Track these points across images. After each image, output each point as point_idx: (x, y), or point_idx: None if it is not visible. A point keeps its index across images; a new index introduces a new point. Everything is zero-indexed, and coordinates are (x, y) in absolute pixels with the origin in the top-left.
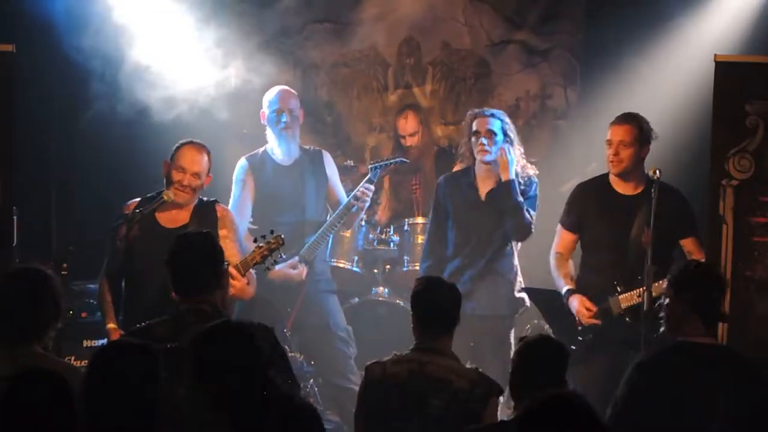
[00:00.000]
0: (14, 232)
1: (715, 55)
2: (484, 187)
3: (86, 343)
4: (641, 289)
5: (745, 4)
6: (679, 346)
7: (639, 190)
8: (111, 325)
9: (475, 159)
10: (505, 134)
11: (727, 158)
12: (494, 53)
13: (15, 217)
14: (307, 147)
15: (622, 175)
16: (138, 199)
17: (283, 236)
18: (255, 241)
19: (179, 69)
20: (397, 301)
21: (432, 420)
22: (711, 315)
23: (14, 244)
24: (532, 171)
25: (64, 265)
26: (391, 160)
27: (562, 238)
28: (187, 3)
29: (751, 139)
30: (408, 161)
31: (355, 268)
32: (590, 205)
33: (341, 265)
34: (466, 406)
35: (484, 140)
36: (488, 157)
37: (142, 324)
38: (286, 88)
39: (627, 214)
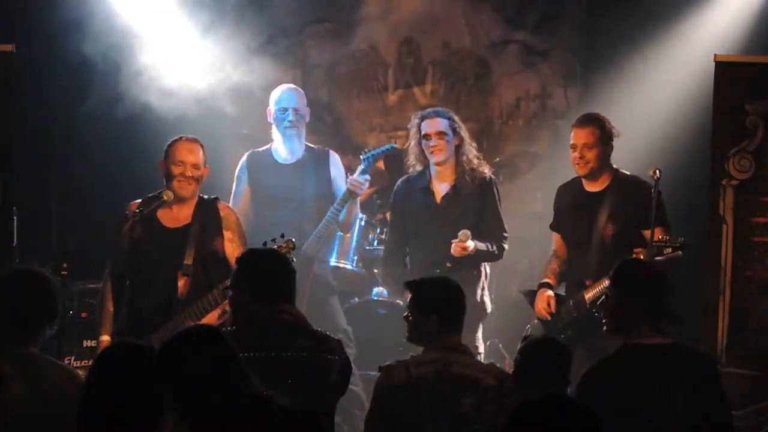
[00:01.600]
0: (14, 232)
1: (715, 55)
2: (439, 191)
3: (86, 343)
4: (602, 282)
5: (745, 4)
6: (629, 348)
7: (604, 186)
8: (105, 337)
9: (428, 161)
10: (455, 132)
11: (727, 158)
12: (494, 53)
13: (15, 217)
14: (315, 146)
15: (590, 176)
16: (140, 200)
17: (294, 240)
18: (264, 244)
19: (179, 69)
20: (397, 301)
21: (464, 419)
22: (660, 316)
23: (14, 244)
24: (487, 171)
25: (64, 265)
26: (383, 148)
27: (554, 237)
28: (187, 3)
29: (751, 139)
30: (399, 147)
31: (355, 268)
32: (565, 204)
33: (341, 265)
34: (498, 401)
35: (434, 141)
36: (443, 156)
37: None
38: (293, 86)
39: (593, 210)
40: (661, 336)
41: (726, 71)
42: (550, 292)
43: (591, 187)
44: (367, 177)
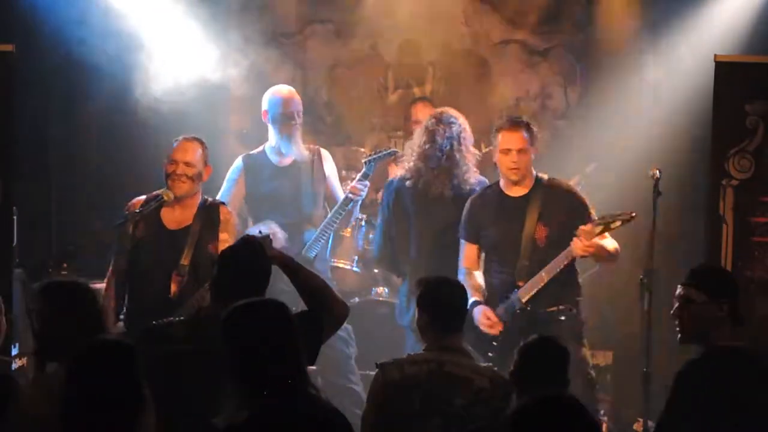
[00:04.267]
0: (14, 232)
1: (715, 55)
2: None
3: None
4: (539, 278)
5: (745, 4)
6: (718, 350)
7: (527, 190)
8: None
9: None
10: None
11: (727, 158)
12: (494, 53)
13: (15, 217)
14: (306, 146)
15: (518, 181)
16: (143, 197)
17: (270, 236)
18: None
19: (179, 69)
20: (397, 301)
21: (455, 419)
22: (741, 320)
23: (14, 244)
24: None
25: (64, 265)
26: (385, 152)
27: (465, 251)
28: (187, 3)
29: (751, 139)
30: (399, 152)
31: (355, 268)
32: (484, 212)
33: (341, 265)
34: (489, 404)
35: None
36: None
37: (161, 322)
38: (291, 88)
39: (518, 213)
40: (740, 340)
41: (726, 71)
42: (483, 307)
43: (513, 192)
44: (367, 183)
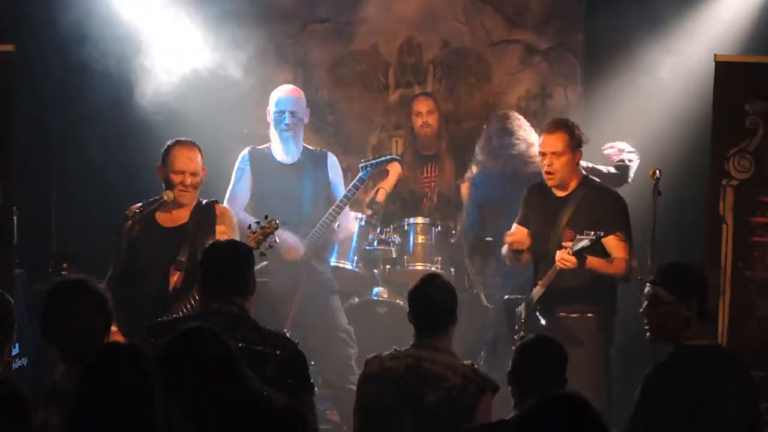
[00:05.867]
0: (14, 232)
1: (715, 55)
2: None
3: None
4: (545, 279)
5: (745, 4)
6: (686, 350)
7: (569, 192)
8: (112, 328)
9: None
10: None
11: (727, 158)
12: (494, 53)
13: (15, 217)
14: (313, 148)
15: (559, 186)
16: (140, 204)
17: (277, 221)
18: (249, 227)
19: (179, 69)
20: (397, 301)
21: (426, 415)
22: (710, 318)
23: (14, 244)
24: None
25: (64, 265)
26: (383, 158)
27: (513, 229)
28: (187, 4)
29: (751, 139)
30: (400, 158)
31: (355, 268)
32: (533, 204)
33: (341, 265)
34: (459, 402)
35: None
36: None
37: (168, 318)
38: (293, 88)
39: (555, 213)
40: (708, 338)
41: (726, 71)
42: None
43: (558, 192)
44: (359, 185)
